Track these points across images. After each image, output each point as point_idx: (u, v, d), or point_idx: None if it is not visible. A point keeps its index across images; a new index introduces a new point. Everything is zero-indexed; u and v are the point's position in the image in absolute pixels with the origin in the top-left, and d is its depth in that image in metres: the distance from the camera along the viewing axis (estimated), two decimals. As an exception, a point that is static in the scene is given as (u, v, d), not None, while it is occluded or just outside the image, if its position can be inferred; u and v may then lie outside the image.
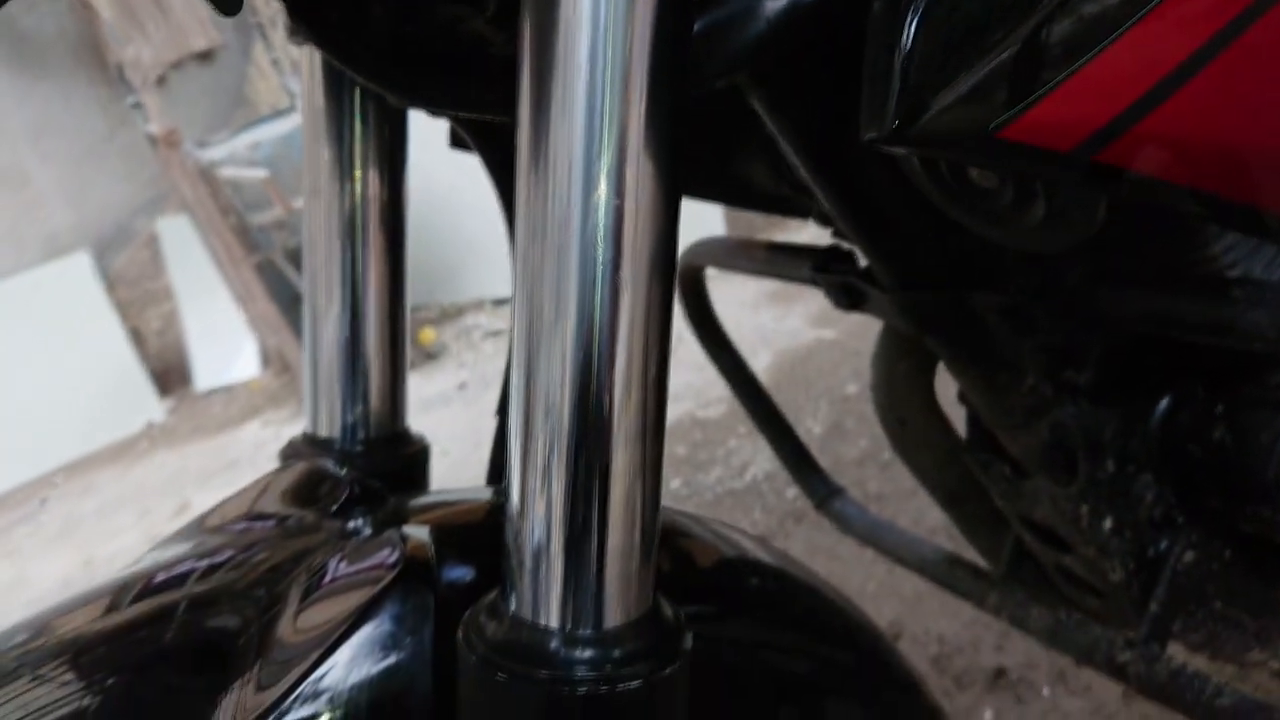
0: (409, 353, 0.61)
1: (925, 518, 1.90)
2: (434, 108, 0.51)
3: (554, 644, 0.36)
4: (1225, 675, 0.66)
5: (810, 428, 2.53)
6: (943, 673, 1.55)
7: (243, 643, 0.41)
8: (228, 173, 4.21)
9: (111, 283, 4.51)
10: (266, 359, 4.46)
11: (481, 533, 0.48)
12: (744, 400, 1.04)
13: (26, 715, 0.38)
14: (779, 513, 2.16)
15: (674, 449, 2.58)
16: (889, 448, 0.92)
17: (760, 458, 2.42)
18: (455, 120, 0.62)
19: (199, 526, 0.52)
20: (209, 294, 4.46)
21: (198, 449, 3.87)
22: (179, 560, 0.47)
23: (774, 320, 3.50)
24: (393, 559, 0.42)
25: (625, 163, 0.34)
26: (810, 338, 3.25)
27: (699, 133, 0.67)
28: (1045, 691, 1.47)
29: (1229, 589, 0.69)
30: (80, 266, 4.41)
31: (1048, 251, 0.53)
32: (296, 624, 0.41)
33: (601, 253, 0.35)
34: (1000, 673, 1.52)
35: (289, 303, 4.15)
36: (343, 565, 0.44)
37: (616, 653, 0.36)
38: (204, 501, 0.55)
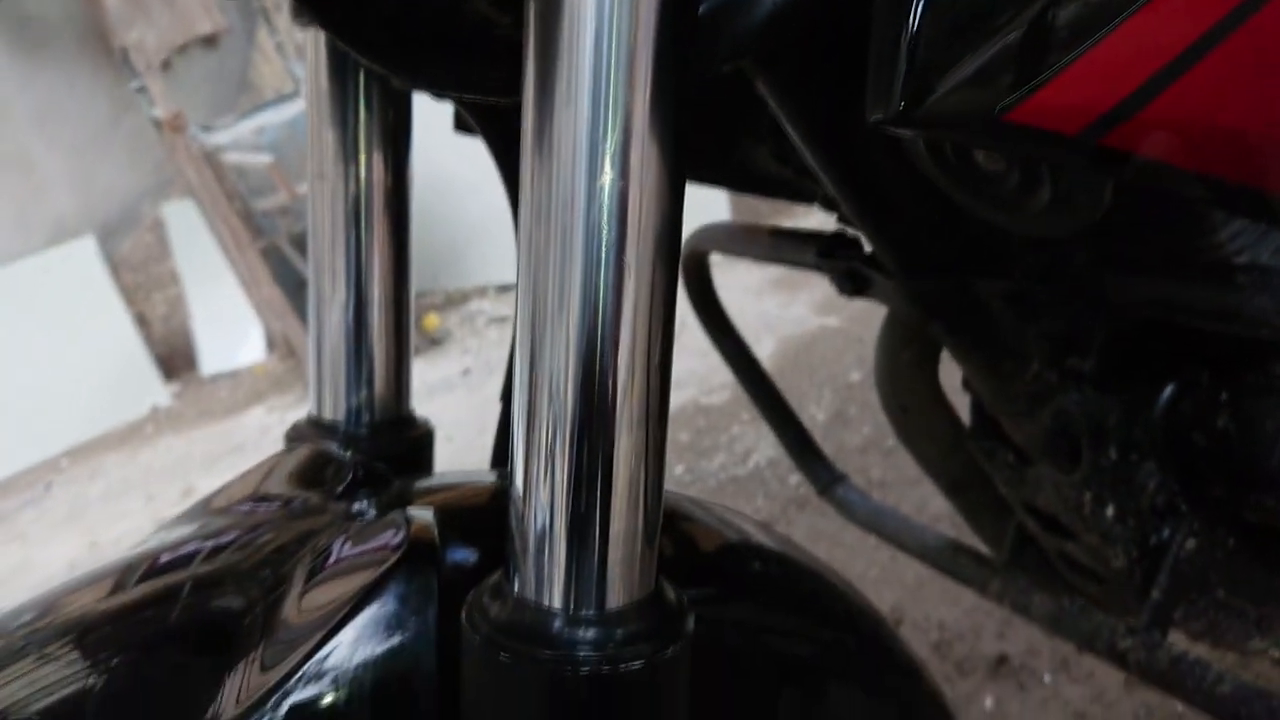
0: (413, 337, 0.61)
1: (928, 505, 1.90)
2: (438, 90, 0.50)
3: (557, 625, 0.36)
4: (1227, 663, 0.66)
5: (814, 415, 2.53)
6: (944, 659, 1.56)
7: (248, 623, 0.42)
8: (232, 158, 4.21)
9: (117, 267, 4.52)
10: (271, 344, 4.47)
11: (485, 515, 0.48)
12: (748, 387, 1.04)
13: (33, 693, 0.39)
14: (782, 499, 2.16)
15: (677, 436, 2.58)
16: (892, 435, 0.92)
17: (763, 444, 2.42)
18: (459, 103, 0.62)
19: (205, 508, 0.52)
20: (214, 279, 4.46)
21: (203, 433, 3.89)
22: (185, 541, 0.48)
23: (778, 307, 3.50)
24: (397, 540, 0.42)
25: (630, 146, 0.34)
26: (814, 325, 3.24)
27: (705, 117, 0.68)
28: (1047, 679, 1.47)
29: (1231, 577, 0.69)
30: (86, 251, 4.41)
31: (1053, 236, 0.53)
32: (301, 604, 0.41)
33: (606, 236, 0.35)
34: (1002, 660, 1.53)
35: (294, 288, 4.15)
36: (347, 546, 0.44)
37: (619, 633, 0.36)
38: (209, 485, 0.55)
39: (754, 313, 3.43)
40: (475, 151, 0.64)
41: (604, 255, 0.35)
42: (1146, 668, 0.65)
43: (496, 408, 0.64)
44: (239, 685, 0.39)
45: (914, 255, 0.63)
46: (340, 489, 0.50)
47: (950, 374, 0.79)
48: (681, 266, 0.95)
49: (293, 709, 0.38)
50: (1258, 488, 0.62)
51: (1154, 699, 1.37)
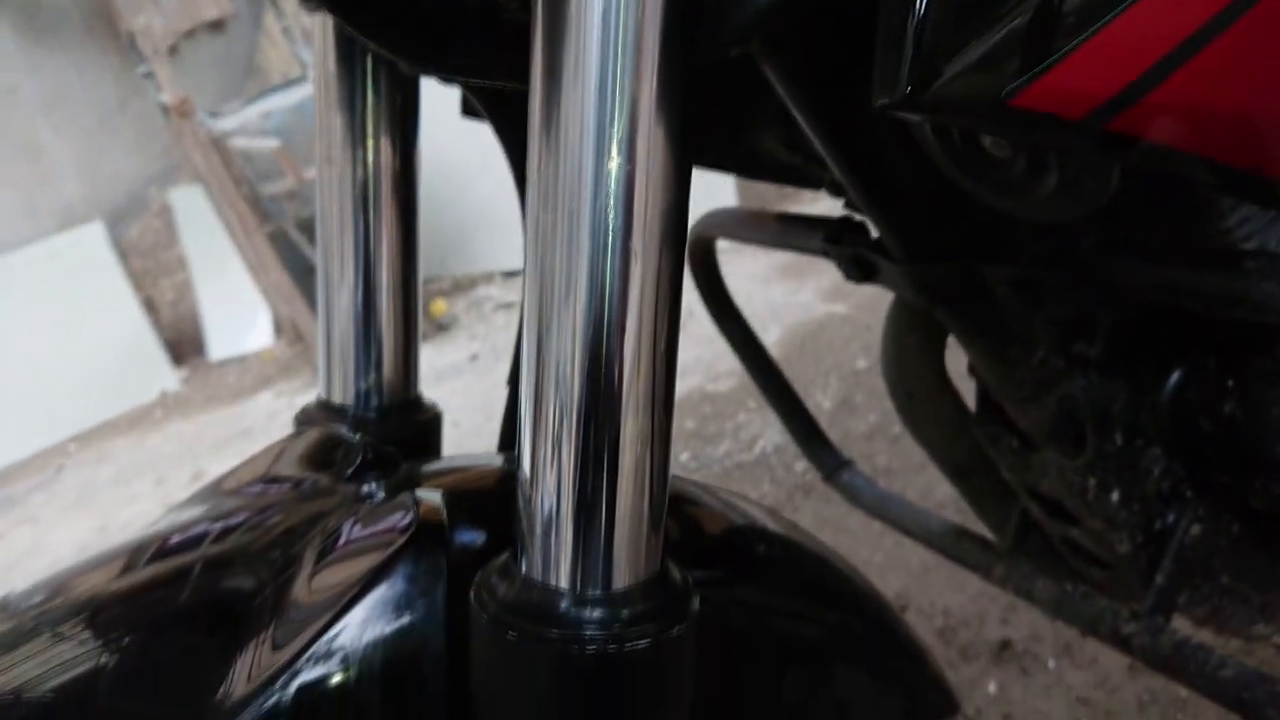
0: (421, 321, 0.61)
1: (934, 491, 1.90)
2: (446, 74, 0.51)
3: (564, 604, 0.37)
4: (1230, 649, 0.67)
5: (820, 402, 2.53)
6: (948, 644, 1.56)
7: (258, 603, 0.42)
8: (240, 143, 4.21)
9: (125, 253, 4.53)
10: (279, 328, 4.48)
11: (493, 497, 0.48)
12: (754, 374, 1.04)
13: (45, 672, 0.39)
14: (788, 486, 2.16)
15: (683, 422, 2.59)
16: (898, 423, 0.92)
17: (769, 431, 2.42)
18: (467, 87, 0.62)
19: (215, 489, 0.53)
20: (222, 264, 4.47)
21: (211, 418, 3.90)
22: (195, 522, 0.48)
23: (785, 294, 3.50)
24: (406, 522, 0.43)
25: (637, 131, 0.35)
26: (821, 312, 3.24)
27: (711, 103, 0.67)
28: (1050, 663, 1.48)
29: (1236, 563, 0.69)
30: (94, 236, 4.42)
31: (1060, 221, 0.53)
32: (311, 585, 0.42)
33: (612, 221, 0.35)
34: (1006, 645, 1.53)
35: (301, 273, 4.16)
36: (356, 528, 0.44)
37: (625, 613, 0.37)
38: (218, 469, 0.56)
39: (761, 299, 3.43)
40: (482, 136, 0.64)
41: (611, 240, 0.35)
42: (1150, 653, 0.65)
43: (504, 393, 0.64)
44: (249, 664, 0.39)
45: (920, 240, 0.63)
46: (349, 471, 0.50)
47: (956, 359, 0.79)
48: (688, 252, 0.95)
49: (302, 688, 0.38)
50: (1263, 473, 0.62)
51: (1157, 684, 1.38)
